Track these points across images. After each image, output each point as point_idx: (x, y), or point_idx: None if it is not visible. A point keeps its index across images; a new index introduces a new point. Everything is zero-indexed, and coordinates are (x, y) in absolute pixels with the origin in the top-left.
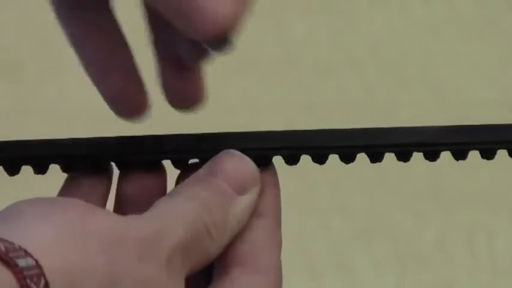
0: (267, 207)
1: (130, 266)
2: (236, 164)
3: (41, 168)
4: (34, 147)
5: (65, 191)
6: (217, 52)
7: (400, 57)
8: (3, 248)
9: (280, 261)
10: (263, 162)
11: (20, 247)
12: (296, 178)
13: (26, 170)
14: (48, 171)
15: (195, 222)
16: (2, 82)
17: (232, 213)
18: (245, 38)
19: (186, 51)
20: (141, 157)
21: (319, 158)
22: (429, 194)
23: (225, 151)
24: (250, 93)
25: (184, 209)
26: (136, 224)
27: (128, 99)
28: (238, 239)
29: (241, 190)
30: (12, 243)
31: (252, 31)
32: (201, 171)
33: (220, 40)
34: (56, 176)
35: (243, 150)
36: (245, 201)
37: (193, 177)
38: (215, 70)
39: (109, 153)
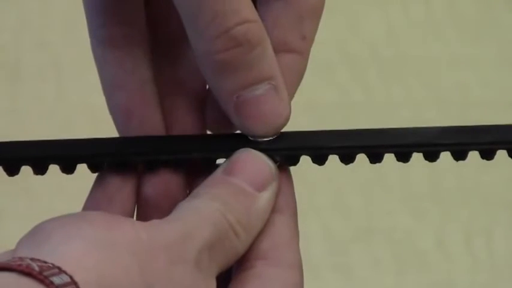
0: (284, 203)
1: (162, 272)
2: (253, 162)
3: (40, 169)
4: (34, 148)
5: (93, 192)
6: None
7: (399, 57)
8: (37, 268)
9: (300, 255)
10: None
11: (53, 265)
12: (296, 178)
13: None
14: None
15: (219, 223)
16: (1, 82)
17: (255, 210)
18: None
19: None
20: (138, 158)
21: (319, 159)
22: (429, 194)
23: (241, 150)
24: None
25: (207, 210)
26: (161, 230)
27: (135, 117)
28: (259, 235)
29: (260, 187)
30: (45, 262)
31: None
32: (219, 171)
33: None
34: (54, 175)
35: None
36: (265, 198)
37: (212, 178)
38: None
39: (108, 154)
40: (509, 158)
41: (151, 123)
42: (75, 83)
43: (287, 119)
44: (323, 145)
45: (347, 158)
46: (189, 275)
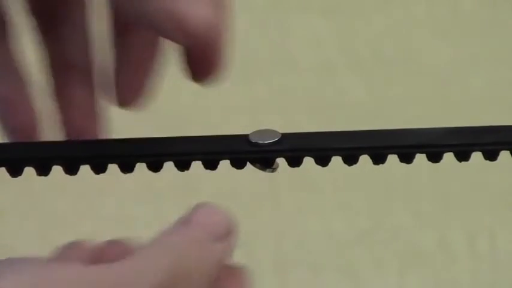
0: None
1: None
2: (211, 213)
3: (43, 170)
4: (37, 149)
5: None
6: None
7: (401, 57)
8: None
9: None
10: (267, 165)
11: None
12: (297, 178)
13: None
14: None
15: (171, 270)
16: None
17: (210, 259)
18: (245, 38)
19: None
20: (140, 160)
21: (322, 160)
22: (431, 194)
23: (198, 203)
24: (250, 93)
25: (161, 254)
26: (111, 270)
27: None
28: None
29: (217, 238)
30: None
31: (252, 31)
32: (175, 223)
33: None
34: (56, 176)
35: (246, 153)
36: (221, 249)
37: (168, 229)
38: None
39: (111, 155)
40: None
41: (23, 110)
42: None
43: (207, 23)
44: (326, 146)
45: (350, 159)
46: None
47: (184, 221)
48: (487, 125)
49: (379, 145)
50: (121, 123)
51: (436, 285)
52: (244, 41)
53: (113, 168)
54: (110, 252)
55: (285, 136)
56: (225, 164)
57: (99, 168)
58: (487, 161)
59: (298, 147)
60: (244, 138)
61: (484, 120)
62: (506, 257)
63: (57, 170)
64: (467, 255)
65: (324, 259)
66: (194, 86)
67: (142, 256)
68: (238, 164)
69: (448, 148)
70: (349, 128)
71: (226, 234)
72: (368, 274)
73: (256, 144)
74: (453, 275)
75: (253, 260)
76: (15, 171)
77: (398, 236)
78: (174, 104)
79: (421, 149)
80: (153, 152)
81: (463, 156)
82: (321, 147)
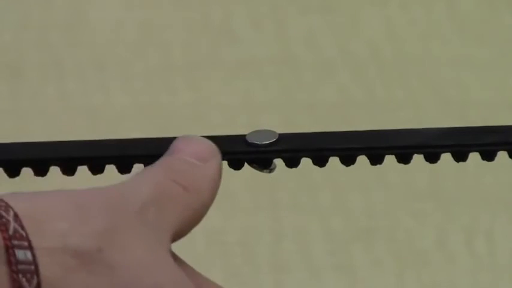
0: None
1: (100, 217)
2: (192, 141)
3: (41, 171)
4: (35, 149)
5: None
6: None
7: (400, 57)
8: None
9: None
10: (265, 165)
11: None
12: (296, 177)
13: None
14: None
15: (162, 181)
16: (2, 82)
17: (201, 176)
18: (245, 38)
19: None
20: (138, 160)
21: (320, 161)
22: (429, 194)
23: (179, 136)
24: (250, 93)
25: (149, 173)
26: (101, 188)
27: None
28: None
29: (203, 160)
30: None
31: (252, 31)
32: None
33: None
34: (55, 177)
35: (243, 153)
36: (210, 166)
37: (158, 160)
38: (215, 70)
39: (108, 156)
40: (510, 159)
41: None
42: (76, 83)
43: None
44: (323, 147)
45: (348, 160)
46: (127, 223)
47: (168, 152)
48: (484, 125)
49: (376, 146)
50: (121, 123)
51: (434, 285)
52: (243, 41)
53: (110, 168)
54: None
55: (282, 136)
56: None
57: (96, 169)
58: (485, 161)
59: (296, 148)
60: (241, 138)
61: (482, 120)
62: (504, 257)
63: (55, 171)
64: (465, 255)
65: (321, 258)
66: (193, 86)
67: (134, 176)
68: (235, 165)
69: (446, 149)
70: (347, 128)
71: (210, 157)
72: (366, 274)
73: (254, 145)
74: (451, 274)
75: (253, 260)
76: (12, 172)
77: (396, 235)
78: (174, 104)
79: (418, 149)
80: (151, 153)
81: (460, 156)
82: (318, 147)
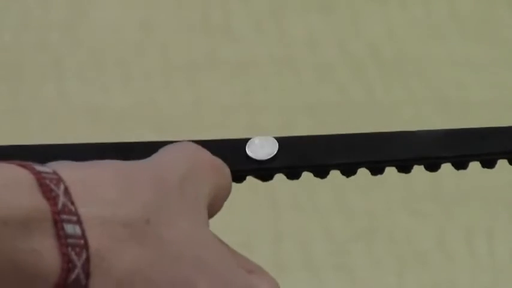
0: None
1: (148, 189)
2: (203, 149)
3: None
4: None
5: None
6: None
7: (400, 57)
8: (23, 164)
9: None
10: (266, 179)
11: (42, 165)
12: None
13: None
14: None
15: (194, 158)
16: (2, 82)
17: (219, 160)
18: (245, 38)
19: None
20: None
21: (320, 174)
22: (429, 194)
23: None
24: (250, 93)
25: (180, 148)
26: (147, 162)
27: None
28: None
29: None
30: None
31: (252, 31)
32: None
33: None
34: None
35: (244, 171)
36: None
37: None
38: (215, 70)
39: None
40: (510, 165)
41: None
42: (76, 83)
43: None
44: (324, 163)
45: (348, 172)
46: (175, 199)
47: None
48: (483, 127)
49: (376, 159)
50: (121, 123)
51: (434, 284)
52: (243, 41)
53: None
54: None
55: (282, 147)
56: None
57: None
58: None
59: (297, 165)
60: (241, 150)
61: (482, 120)
62: (504, 257)
63: None
64: (465, 255)
65: (321, 258)
66: (193, 86)
67: (166, 152)
68: (235, 178)
69: (446, 160)
70: (347, 129)
71: (219, 161)
72: (366, 273)
73: (254, 161)
74: (451, 274)
75: (253, 260)
76: None
77: (396, 235)
78: (174, 104)
79: (418, 161)
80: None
81: (460, 166)
82: (319, 163)
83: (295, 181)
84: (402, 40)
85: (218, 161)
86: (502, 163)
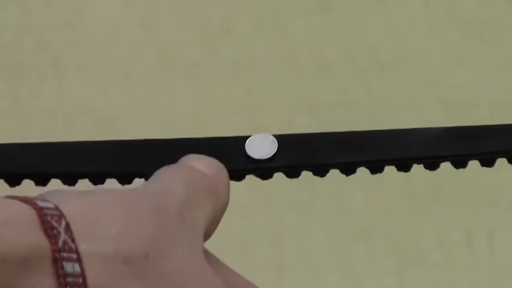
0: None
1: (149, 221)
2: (199, 157)
3: (42, 181)
4: (36, 163)
5: None
6: None
7: (400, 57)
8: (25, 199)
9: None
10: (265, 178)
11: (43, 198)
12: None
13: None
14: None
15: (191, 183)
16: (2, 82)
17: (217, 178)
18: (245, 38)
19: None
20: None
21: (320, 173)
22: (429, 194)
23: (186, 155)
24: (250, 93)
25: (176, 173)
26: (147, 190)
27: None
28: None
29: (212, 171)
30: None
31: (252, 31)
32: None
33: None
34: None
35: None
36: (222, 173)
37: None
38: (215, 70)
39: (108, 168)
40: (510, 164)
41: None
42: (76, 83)
43: None
44: (323, 162)
45: (348, 171)
46: (174, 229)
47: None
48: (483, 125)
49: (376, 158)
50: (121, 123)
51: (434, 284)
52: (243, 41)
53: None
54: None
55: (281, 146)
56: None
57: (97, 181)
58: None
59: (296, 164)
60: (240, 149)
61: (482, 120)
62: (504, 256)
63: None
64: (465, 255)
65: (321, 258)
66: (193, 86)
67: (161, 178)
68: (235, 177)
69: (445, 159)
70: (347, 128)
71: (219, 169)
72: (366, 273)
73: (253, 160)
74: (451, 274)
75: (253, 260)
76: (13, 182)
77: (396, 235)
78: (173, 104)
79: (418, 160)
80: (149, 157)
81: (459, 164)
82: (318, 163)
83: (295, 181)
84: (402, 40)
85: (214, 178)
86: (502, 161)
